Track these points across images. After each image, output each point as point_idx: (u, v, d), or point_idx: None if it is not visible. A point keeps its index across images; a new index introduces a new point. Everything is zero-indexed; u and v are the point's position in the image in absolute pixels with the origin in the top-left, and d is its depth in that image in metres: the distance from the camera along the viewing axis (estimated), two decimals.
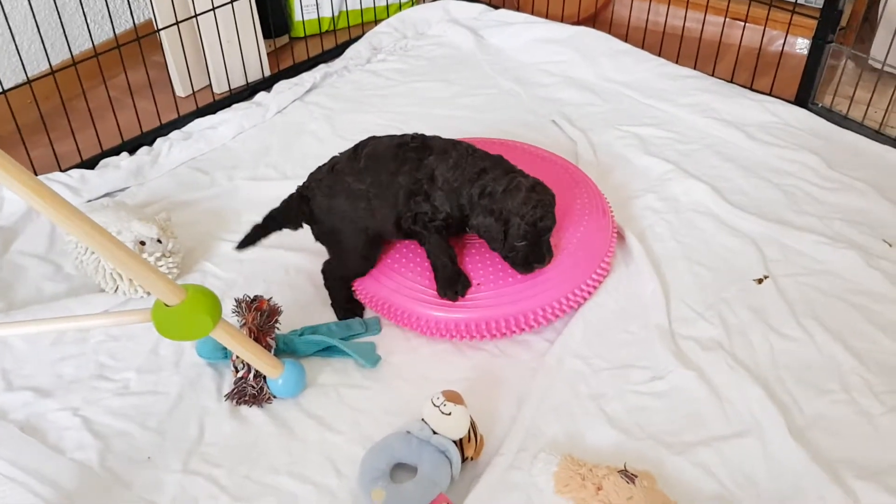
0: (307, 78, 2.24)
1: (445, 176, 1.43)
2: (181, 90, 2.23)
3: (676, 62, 2.28)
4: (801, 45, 2.43)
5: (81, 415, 1.36)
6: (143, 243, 1.54)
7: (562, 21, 2.48)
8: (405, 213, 1.45)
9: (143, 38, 2.00)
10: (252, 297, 1.40)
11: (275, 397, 1.38)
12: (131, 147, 2.00)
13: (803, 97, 2.10)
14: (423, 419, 1.29)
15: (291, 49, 2.41)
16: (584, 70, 2.28)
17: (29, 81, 1.85)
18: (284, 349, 1.43)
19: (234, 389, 1.37)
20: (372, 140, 1.52)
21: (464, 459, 1.27)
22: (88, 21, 2.10)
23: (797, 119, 2.05)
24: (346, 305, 1.54)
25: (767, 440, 1.30)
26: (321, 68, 2.30)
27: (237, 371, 1.37)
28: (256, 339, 1.36)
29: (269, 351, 1.37)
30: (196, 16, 2.10)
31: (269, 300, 1.41)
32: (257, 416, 1.36)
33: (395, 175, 1.44)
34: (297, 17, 2.47)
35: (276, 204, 1.81)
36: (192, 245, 1.69)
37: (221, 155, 2.01)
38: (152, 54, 2.16)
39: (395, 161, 1.45)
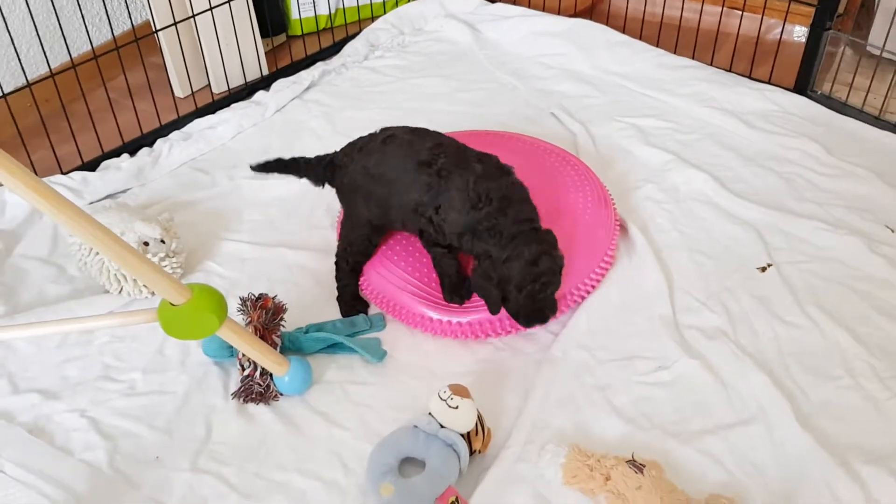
0: (305, 76, 2.24)
1: (451, 216, 1.37)
2: (180, 91, 2.23)
3: (674, 52, 2.28)
4: (799, 32, 2.43)
5: (88, 416, 1.36)
6: (146, 244, 1.55)
7: (558, 13, 2.48)
8: (411, 224, 1.45)
9: (142, 40, 2.00)
10: (257, 296, 1.41)
11: (281, 395, 1.39)
12: (132, 148, 2.00)
13: (802, 85, 2.10)
14: (430, 413, 1.29)
15: (289, 47, 2.41)
16: (582, 62, 2.28)
17: (29, 85, 1.85)
18: (290, 347, 1.44)
19: (240, 388, 1.38)
20: (404, 135, 1.47)
21: (472, 453, 1.27)
22: (87, 23, 2.10)
23: (796, 107, 2.05)
24: (352, 302, 1.54)
25: (773, 427, 1.30)
26: (319, 66, 2.30)
27: (243, 369, 1.37)
28: (262, 337, 1.36)
29: (275, 349, 1.37)
30: (193, 16, 2.09)
31: (273, 298, 1.41)
32: (264, 413, 1.36)
33: (408, 190, 1.40)
34: (294, 15, 2.47)
35: (279, 203, 1.83)
36: (194, 245, 1.70)
37: (222, 155, 2.01)
38: (151, 55, 2.16)
39: (414, 174, 1.40)
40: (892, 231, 1.67)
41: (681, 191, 1.81)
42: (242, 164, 1.96)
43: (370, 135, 1.52)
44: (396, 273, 1.52)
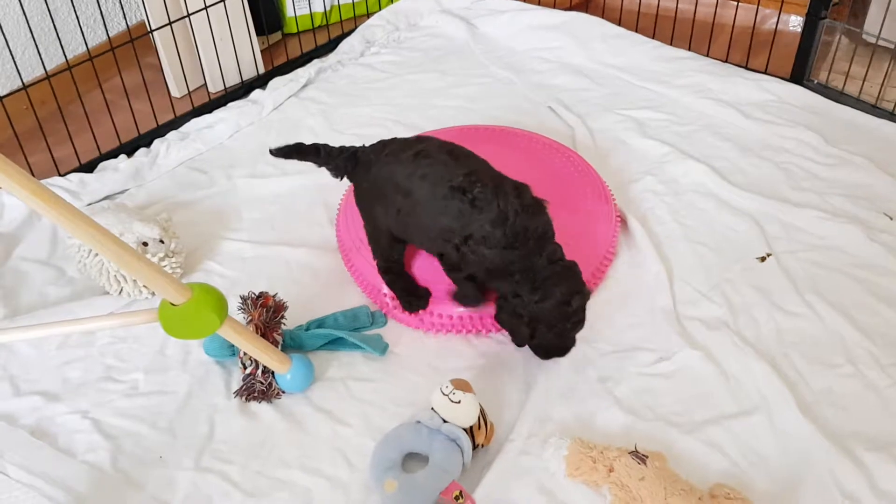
0: (301, 74, 2.24)
1: (483, 251, 1.28)
2: (176, 91, 2.23)
3: (671, 44, 2.28)
4: (795, 22, 2.43)
5: (91, 417, 1.36)
6: (145, 244, 1.54)
7: (554, 7, 2.48)
8: (431, 246, 1.39)
9: (137, 40, 2.00)
10: (257, 294, 1.41)
11: (284, 392, 1.39)
12: (129, 149, 2.00)
13: (799, 74, 2.10)
14: (432, 408, 1.29)
15: (285, 45, 2.41)
16: (579, 55, 2.28)
17: (24, 87, 1.85)
18: (291, 344, 1.44)
19: (242, 386, 1.38)
20: (439, 153, 1.34)
21: (475, 447, 1.27)
22: (81, 24, 2.09)
23: (793, 96, 2.05)
24: (408, 298, 1.46)
25: (776, 416, 1.30)
26: (315, 63, 2.30)
27: (245, 368, 1.37)
28: (263, 336, 1.36)
29: (276, 346, 1.37)
30: (189, 15, 2.09)
31: (274, 296, 1.41)
32: (267, 411, 1.36)
33: (437, 215, 1.30)
34: (289, 13, 2.47)
35: (277, 201, 1.83)
36: (194, 245, 1.69)
37: (219, 154, 2.01)
38: (146, 56, 2.15)
39: (446, 200, 1.29)
40: (891, 219, 1.67)
41: (679, 182, 1.81)
42: (240, 163, 1.96)
43: (403, 141, 1.41)
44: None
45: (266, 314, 1.38)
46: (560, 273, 1.29)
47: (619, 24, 2.36)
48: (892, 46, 2.01)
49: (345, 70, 2.30)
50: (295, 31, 2.45)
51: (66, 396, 1.40)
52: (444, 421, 1.27)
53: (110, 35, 2.08)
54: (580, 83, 2.18)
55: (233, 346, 1.41)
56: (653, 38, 2.30)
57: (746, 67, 2.16)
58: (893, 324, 1.46)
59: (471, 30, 2.43)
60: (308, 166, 1.91)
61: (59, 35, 1.98)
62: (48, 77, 1.87)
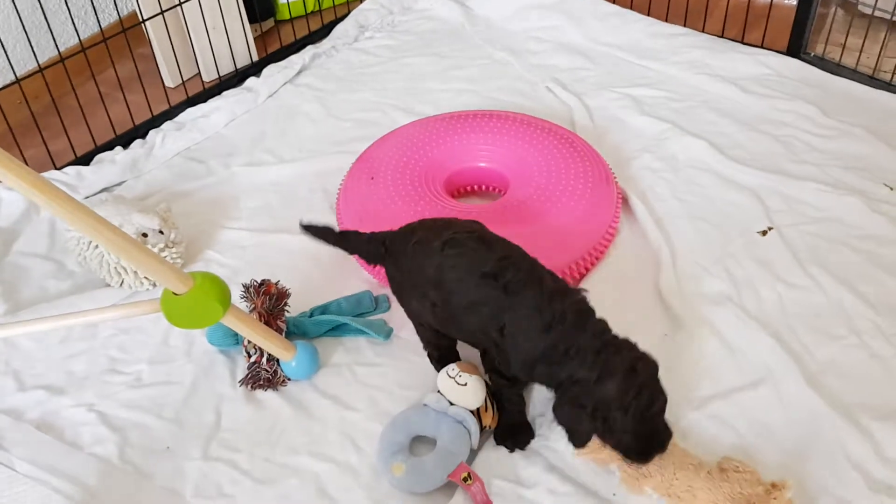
0: (296, 60, 2.23)
1: (520, 342, 1.15)
2: (170, 81, 2.22)
3: (666, 21, 2.27)
4: None
5: (96, 410, 1.36)
6: (144, 235, 1.54)
7: None
8: (474, 341, 1.28)
9: (129, 30, 1.98)
10: (260, 282, 1.40)
11: (289, 380, 1.38)
12: (124, 141, 1.99)
13: (795, 47, 2.09)
14: (438, 391, 1.29)
15: (278, 32, 2.39)
16: (575, 34, 2.26)
17: (17, 80, 1.83)
18: (295, 331, 1.43)
19: (248, 374, 1.37)
20: (468, 241, 1.23)
21: (482, 429, 1.27)
22: (73, 16, 2.08)
23: (790, 70, 2.04)
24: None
25: (782, 388, 1.30)
26: (309, 49, 2.28)
27: (249, 356, 1.37)
28: (267, 323, 1.36)
29: (280, 334, 1.37)
30: (180, 4, 2.07)
31: (276, 283, 1.41)
32: (273, 399, 1.36)
33: (469, 311, 1.19)
34: None
35: (276, 188, 1.82)
36: (193, 234, 1.69)
37: (216, 143, 2.00)
38: (139, 46, 2.14)
39: (476, 290, 1.18)
40: (892, 189, 1.67)
41: (679, 159, 1.81)
42: (237, 151, 1.95)
43: (430, 227, 1.28)
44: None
45: (269, 302, 1.38)
46: (613, 343, 1.13)
47: (614, 2, 2.34)
48: (888, 17, 2.00)
49: (339, 55, 2.29)
50: (288, 17, 2.43)
51: (71, 390, 1.40)
52: (451, 404, 1.27)
53: (102, 26, 2.06)
54: (576, 62, 2.17)
55: (236, 334, 1.41)
56: (648, 15, 2.29)
57: (743, 42, 2.15)
58: None
59: (465, 12, 2.41)
60: (306, 153, 1.93)
61: (51, 27, 1.97)
62: (41, 70, 1.86)
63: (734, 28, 2.20)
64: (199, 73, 2.24)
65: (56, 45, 1.92)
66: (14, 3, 1.86)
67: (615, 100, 2.00)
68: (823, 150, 1.79)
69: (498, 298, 1.16)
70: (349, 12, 2.44)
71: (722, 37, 2.19)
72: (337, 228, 1.42)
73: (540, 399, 1.32)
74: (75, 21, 2.16)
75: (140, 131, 2.02)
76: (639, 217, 1.64)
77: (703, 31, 2.22)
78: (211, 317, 1.21)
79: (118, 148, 1.96)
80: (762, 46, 2.12)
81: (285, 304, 1.40)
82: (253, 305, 1.38)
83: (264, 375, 1.36)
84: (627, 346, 1.13)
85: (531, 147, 1.69)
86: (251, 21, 2.31)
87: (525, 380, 1.22)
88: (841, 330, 1.40)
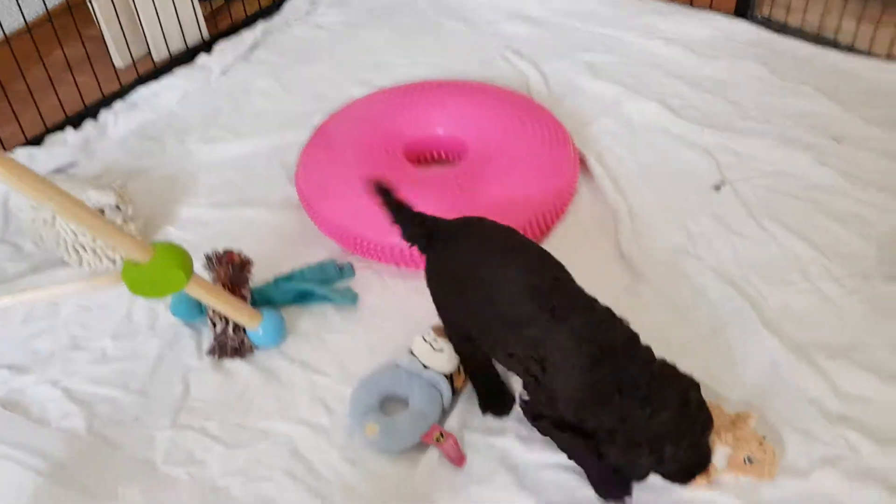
0: (248, 36, 2.20)
1: (561, 375, 1.05)
2: (120, 60, 2.18)
3: None
4: None
5: (62, 386, 1.35)
6: (101, 212, 1.52)
7: None
8: (509, 363, 1.16)
9: (76, 11, 1.94)
10: (222, 252, 1.40)
11: (257, 348, 1.38)
12: (75, 122, 1.95)
13: (742, 9, 2.12)
14: (411, 352, 1.30)
15: (228, 9, 2.36)
16: (528, 3, 2.27)
17: None
18: (260, 300, 1.43)
19: (214, 345, 1.37)
20: (521, 245, 1.18)
21: (454, 392, 1.29)
22: None
23: (739, 31, 2.07)
24: (489, 402, 1.26)
25: (740, 333, 1.34)
26: (261, 25, 2.26)
27: (215, 326, 1.36)
28: (231, 293, 1.36)
29: (245, 303, 1.37)
30: None
31: (239, 253, 1.40)
32: (241, 368, 1.36)
33: (509, 330, 1.10)
34: None
35: (233, 163, 1.82)
36: (152, 212, 1.67)
37: (170, 121, 1.98)
38: (87, 28, 2.09)
39: (520, 307, 1.09)
40: (839, 142, 1.71)
41: (634, 121, 1.83)
42: (192, 129, 1.94)
43: (489, 226, 1.21)
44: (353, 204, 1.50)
45: (232, 271, 1.37)
46: (662, 372, 1.05)
47: None
48: None
49: (292, 30, 2.27)
50: None
51: (35, 368, 1.38)
52: (425, 367, 1.29)
53: (48, 7, 2.01)
54: (531, 31, 2.18)
55: (201, 306, 1.40)
56: None
57: (692, 5, 2.18)
58: (845, 240, 1.50)
59: None
60: (262, 128, 1.92)
61: None
62: None
63: None
64: (149, 51, 2.20)
65: (2, 28, 1.87)
66: None
67: (571, 66, 2.02)
68: (773, 108, 1.83)
69: (542, 321, 1.06)
70: None
71: (672, 1, 2.22)
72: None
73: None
74: (21, 3, 2.10)
75: (91, 112, 1.98)
76: (597, 178, 1.67)
77: None
78: (173, 284, 1.21)
79: (69, 128, 1.92)
80: (711, 9, 2.16)
81: (248, 272, 1.40)
82: (216, 275, 1.37)
83: (231, 344, 1.36)
84: (673, 375, 1.05)
85: (488, 113, 1.70)
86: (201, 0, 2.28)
87: (574, 423, 1.08)
88: (794, 276, 1.44)
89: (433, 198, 1.46)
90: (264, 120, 1.94)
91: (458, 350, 1.26)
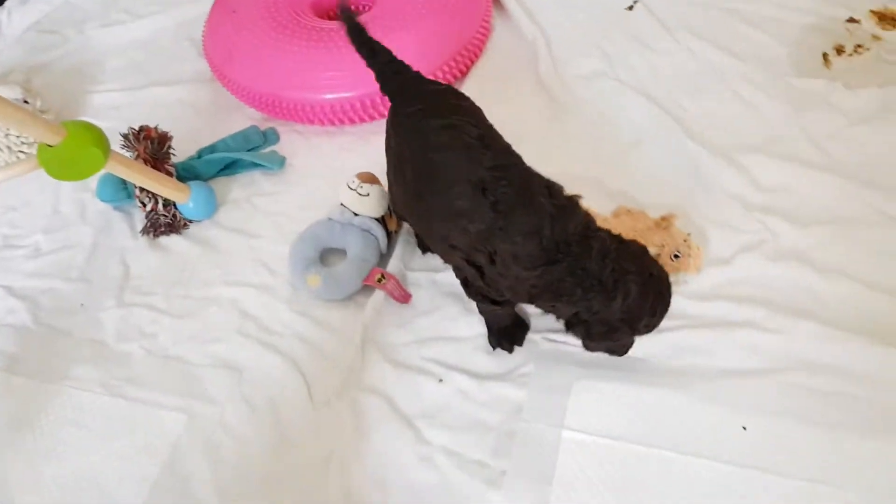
0: None
1: (514, 270, 0.97)
2: None
3: None
4: None
5: (1, 285, 1.34)
6: None
7: None
8: (445, 252, 1.09)
9: None
10: (138, 128, 1.36)
11: (190, 222, 1.38)
12: None
13: None
14: (341, 204, 1.31)
15: None
16: None
17: None
18: (187, 175, 1.41)
19: (147, 223, 1.36)
20: (465, 125, 1.03)
21: (388, 234, 1.31)
22: None
23: None
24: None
25: (663, 143, 1.38)
26: None
27: (145, 206, 1.35)
28: (154, 168, 1.34)
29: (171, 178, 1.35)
30: None
31: (156, 128, 1.37)
32: (178, 242, 1.36)
33: (448, 222, 1.01)
34: None
35: (139, 45, 1.75)
36: (61, 104, 1.62)
37: (66, 12, 1.89)
38: None
39: (460, 200, 0.98)
40: None
41: None
42: (90, 16, 1.86)
43: (440, 96, 1.10)
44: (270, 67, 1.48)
45: (152, 146, 1.34)
46: (621, 257, 0.97)
47: None
48: None
49: None
50: None
51: None
52: (356, 214, 1.30)
53: None
54: None
55: (128, 188, 1.39)
56: None
57: None
58: (764, 44, 1.52)
59: None
60: (162, 6, 1.84)
61: None
62: None
63: None
64: None
65: None
66: None
67: None
68: None
69: (485, 216, 0.97)
70: None
71: None
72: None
73: None
74: None
75: None
76: (511, 13, 1.65)
77: None
78: (92, 164, 1.18)
79: None
80: None
81: (169, 147, 1.37)
82: (136, 152, 1.35)
83: (164, 221, 1.35)
84: (631, 258, 0.99)
85: None
86: None
87: (520, 302, 1.07)
88: (713, 85, 1.47)
89: (347, 50, 1.43)
90: None
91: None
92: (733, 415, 1.04)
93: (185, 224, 1.37)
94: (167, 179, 1.32)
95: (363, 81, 1.38)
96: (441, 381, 1.13)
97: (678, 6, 1.62)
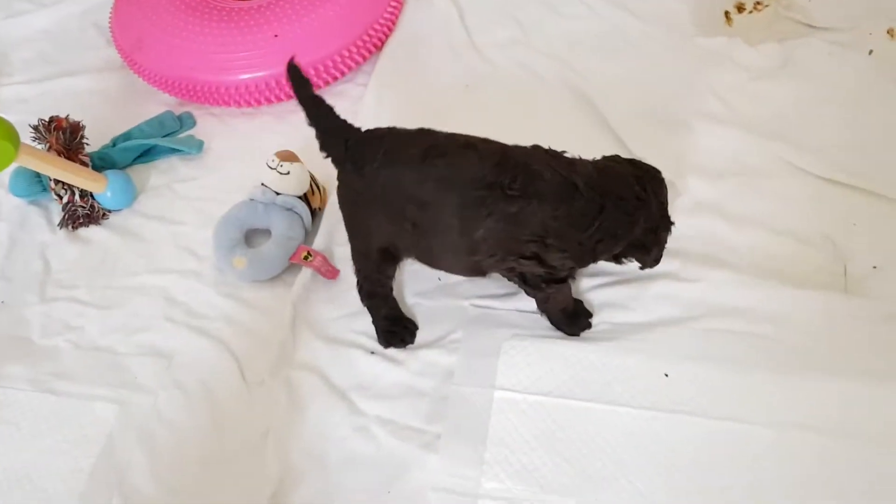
0: None
1: (569, 235, 1.03)
2: None
3: None
4: None
5: None
6: None
7: None
8: (470, 267, 1.09)
9: None
10: (48, 119, 1.33)
11: (109, 212, 1.36)
12: None
13: None
14: (262, 184, 1.31)
15: None
16: None
17: None
18: (103, 165, 1.39)
19: (65, 216, 1.34)
20: (447, 143, 1.04)
21: (312, 212, 1.31)
22: None
23: None
24: (390, 328, 1.17)
25: (579, 108, 1.41)
26: None
27: (61, 198, 1.33)
28: (68, 159, 1.31)
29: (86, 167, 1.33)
30: None
31: (66, 117, 1.34)
32: (98, 233, 1.34)
33: (469, 231, 1.02)
34: None
35: (45, 35, 1.71)
36: None
37: None
38: None
39: (479, 208, 1.00)
40: None
41: None
42: None
43: (402, 135, 1.05)
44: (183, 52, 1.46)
45: (64, 137, 1.32)
46: (626, 174, 1.05)
47: None
48: None
49: None
50: None
51: None
52: (278, 194, 1.30)
53: None
54: None
55: (42, 181, 1.36)
56: None
57: None
58: (665, 4, 1.56)
59: None
60: None
61: None
62: None
63: None
64: None
65: None
66: None
67: None
68: None
69: (508, 210, 0.99)
70: None
71: None
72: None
73: None
74: None
75: None
76: None
77: None
78: (2, 158, 1.16)
79: None
80: None
81: (82, 137, 1.34)
82: (48, 144, 1.32)
83: (82, 212, 1.33)
84: (624, 169, 1.06)
85: None
86: None
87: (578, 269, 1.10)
88: (621, 45, 1.51)
89: (258, 29, 1.43)
90: None
91: (368, 277, 1.14)
92: (655, 363, 1.09)
93: (104, 214, 1.35)
94: (82, 169, 1.30)
95: (277, 60, 1.39)
96: (373, 353, 1.15)
97: None
